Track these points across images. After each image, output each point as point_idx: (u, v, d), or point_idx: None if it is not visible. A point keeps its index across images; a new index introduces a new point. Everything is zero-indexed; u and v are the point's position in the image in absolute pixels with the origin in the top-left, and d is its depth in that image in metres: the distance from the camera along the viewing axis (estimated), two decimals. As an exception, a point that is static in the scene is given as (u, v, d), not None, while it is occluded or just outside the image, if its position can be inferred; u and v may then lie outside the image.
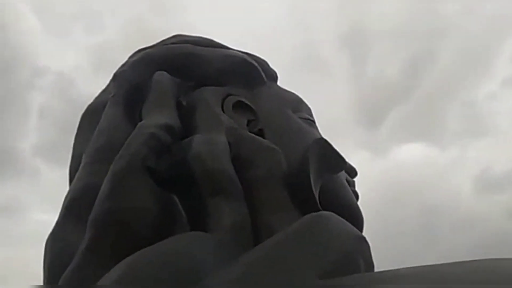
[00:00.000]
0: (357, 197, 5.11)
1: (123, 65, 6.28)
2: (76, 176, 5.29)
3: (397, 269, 2.66)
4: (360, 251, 2.96)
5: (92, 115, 6.29)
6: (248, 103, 5.79)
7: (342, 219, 3.39)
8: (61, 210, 4.97)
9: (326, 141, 4.93)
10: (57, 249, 4.68)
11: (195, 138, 5.12)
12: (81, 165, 5.29)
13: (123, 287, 3.38)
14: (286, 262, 2.97)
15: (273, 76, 6.80)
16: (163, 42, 6.25)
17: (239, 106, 6.05)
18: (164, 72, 5.70)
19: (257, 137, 5.20)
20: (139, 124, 5.20)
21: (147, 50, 6.13)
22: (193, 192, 4.68)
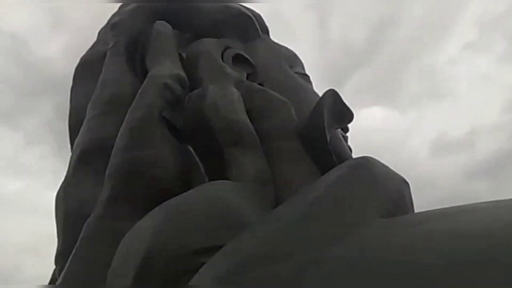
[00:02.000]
0: (350, 150, 5.37)
1: (118, 14, 6.15)
2: (83, 128, 5.24)
3: (442, 208, 2.84)
4: (408, 192, 3.16)
5: (88, 66, 6.17)
6: (247, 56, 5.87)
7: (383, 162, 3.55)
8: (72, 162, 4.94)
9: (337, 93, 5.09)
10: (72, 200, 4.68)
11: (209, 89, 5.16)
12: (88, 117, 5.24)
13: (164, 234, 3.45)
14: (348, 199, 3.13)
15: (266, 30, 6.90)
16: None
17: (237, 59, 6.15)
18: (165, 23, 5.65)
19: (268, 89, 5.31)
20: (150, 73, 5.19)
21: None
22: (209, 142, 4.77)
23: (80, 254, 4.76)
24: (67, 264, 4.80)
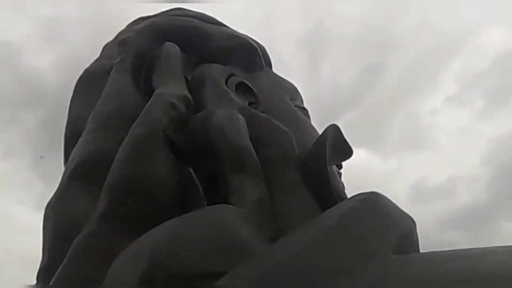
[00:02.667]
0: (343, 187, 5.33)
1: (126, 32, 6.13)
2: (81, 141, 5.11)
3: (452, 250, 2.82)
4: (416, 231, 3.13)
5: (90, 79, 6.07)
6: (250, 85, 5.88)
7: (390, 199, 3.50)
8: (66, 174, 4.78)
9: (339, 128, 5.11)
10: (63, 215, 4.49)
11: (215, 112, 5.13)
12: (87, 129, 5.12)
13: (165, 253, 3.31)
14: (361, 232, 3.08)
15: (269, 62, 6.93)
16: (166, 13, 6.16)
17: (240, 87, 6.15)
18: (174, 44, 5.63)
19: (271, 118, 5.28)
20: (156, 92, 5.14)
21: (153, 19, 6.02)
22: (212, 166, 4.70)
23: (67, 272, 4.49)
24: (51, 283, 4.52)
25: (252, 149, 5.48)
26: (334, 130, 6.12)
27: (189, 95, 6.01)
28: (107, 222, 4.64)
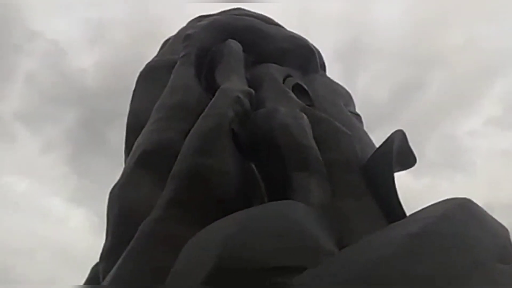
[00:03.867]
0: None
1: (190, 28, 6.30)
2: (146, 130, 5.20)
3: None
4: (510, 240, 2.98)
5: (152, 72, 6.24)
6: (306, 88, 5.86)
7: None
8: (131, 162, 4.86)
9: (405, 135, 5.01)
10: (128, 200, 4.55)
11: (280, 110, 5.11)
12: (152, 119, 5.21)
13: (237, 245, 3.32)
14: (459, 238, 2.96)
15: (324, 66, 6.94)
16: (227, 12, 6.30)
17: (297, 88, 6.13)
18: (237, 42, 5.73)
19: (332, 120, 5.23)
20: (223, 86, 5.22)
21: (216, 17, 6.18)
22: (275, 162, 4.67)
23: (133, 254, 4.60)
24: (118, 263, 4.63)
25: (317, 149, 5.47)
26: (400, 136, 6.01)
27: (252, 91, 6.08)
28: (172, 209, 4.72)
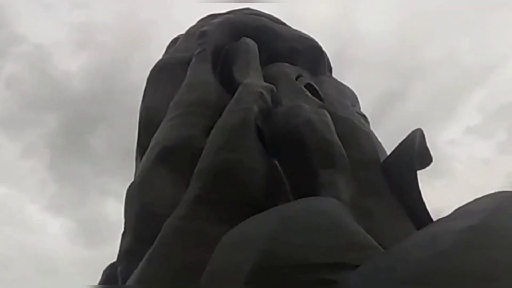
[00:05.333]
0: None
1: (206, 25, 6.22)
2: (164, 126, 5.05)
3: None
4: None
5: (165, 70, 6.12)
6: (317, 88, 5.81)
7: None
8: (151, 158, 4.69)
9: (424, 135, 4.98)
10: (148, 198, 4.37)
11: (304, 106, 5.03)
12: (170, 116, 5.07)
13: (281, 243, 3.21)
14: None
15: (330, 68, 6.94)
16: (237, 11, 6.26)
17: (307, 88, 6.08)
18: (252, 40, 5.64)
19: (352, 118, 5.18)
20: (245, 82, 5.13)
21: (228, 16, 6.13)
22: (300, 159, 4.57)
23: (159, 252, 4.40)
24: (143, 262, 4.41)
25: (341, 145, 5.40)
26: (420, 136, 6.00)
27: (274, 88, 6.00)
28: (198, 206, 4.56)
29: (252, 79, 5.88)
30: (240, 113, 5.18)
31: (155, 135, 5.77)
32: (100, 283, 5.45)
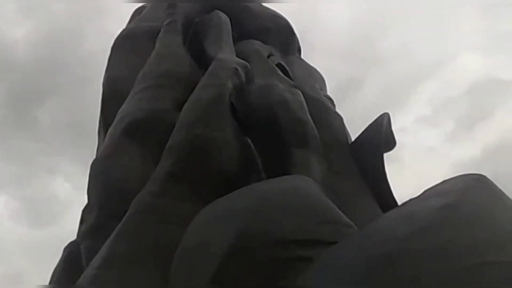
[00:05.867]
0: None
1: None
2: (132, 99, 4.89)
3: None
4: None
5: (130, 39, 5.91)
6: (287, 68, 5.85)
7: None
8: (118, 131, 4.55)
9: (390, 119, 5.13)
10: (117, 171, 4.26)
11: (278, 85, 5.04)
12: (138, 87, 4.92)
13: (260, 219, 3.23)
14: (489, 209, 3.03)
15: (299, 49, 7.02)
16: None
17: (278, 68, 6.06)
18: (224, 14, 5.57)
19: (322, 99, 5.28)
20: (219, 57, 5.07)
21: None
22: (274, 138, 4.60)
23: (128, 230, 4.19)
24: (110, 240, 4.17)
25: (314, 125, 5.38)
26: (387, 120, 6.10)
27: (248, 64, 5.85)
28: (170, 183, 4.39)
29: (226, 54, 5.71)
30: (215, 89, 5.01)
31: (122, 107, 5.48)
32: (61, 261, 5.17)
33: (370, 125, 6.03)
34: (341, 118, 6.07)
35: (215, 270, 3.30)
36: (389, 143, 6.72)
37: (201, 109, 4.83)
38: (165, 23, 6.35)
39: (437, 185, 3.97)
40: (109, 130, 5.46)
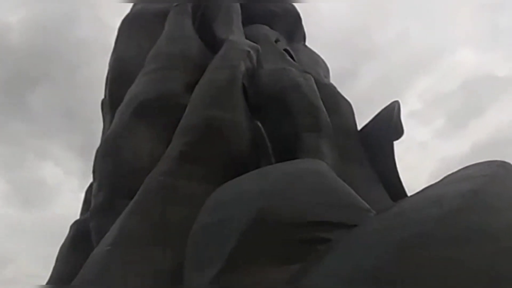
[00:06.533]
0: None
1: None
2: (142, 79, 4.95)
3: None
4: None
5: (138, 21, 5.92)
6: (293, 55, 5.91)
7: None
8: (128, 111, 4.60)
9: (400, 107, 5.15)
10: (126, 150, 4.31)
11: (290, 69, 5.12)
12: (149, 68, 4.97)
13: (276, 199, 3.30)
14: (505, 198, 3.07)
15: (305, 36, 7.09)
16: None
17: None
18: None
19: (333, 85, 5.35)
20: (231, 38, 5.13)
21: None
22: (285, 122, 4.67)
23: (140, 208, 4.18)
24: (122, 218, 4.16)
25: (325, 111, 5.39)
26: (397, 108, 6.11)
27: (259, 48, 5.81)
28: (182, 162, 4.38)
29: (237, 37, 5.68)
30: (228, 70, 4.99)
31: (131, 88, 5.43)
32: (68, 239, 5.16)
33: (379, 113, 6.06)
34: (349, 104, 6.10)
35: (234, 246, 3.32)
36: (398, 131, 6.76)
37: (214, 90, 4.81)
38: (174, 4, 6.29)
39: (459, 170, 4.04)
40: (118, 110, 5.42)
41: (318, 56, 8.72)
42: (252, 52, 5.40)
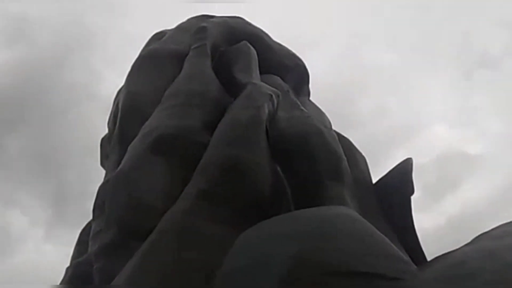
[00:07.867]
0: None
1: (204, 22, 6.31)
2: (161, 114, 4.89)
3: None
4: None
5: (153, 59, 6.01)
6: (302, 108, 5.94)
7: None
8: (144, 145, 4.45)
9: (412, 165, 5.25)
10: (141, 186, 4.11)
11: (312, 117, 5.15)
12: (168, 104, 4.93)
13: (314, 244, 3.16)
14: None
15: (309, 92, 7.27)
16: (232, 17, 6.47)
17: None
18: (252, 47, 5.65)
19: (349, 139, 5.36)
20: (254, 82, 5.18)
21: (225, 19, 6.31)
22: (307, 169, 4.61)
23: (156, 249, 3.78)
24: (136, 260, 3.74)
25: (346, 161, 5.30)
26: (411, 166, 6.09)
27: (280, 93, 5.80)
28: (202, 201, 4.11)
29: (259, 81, 5.69)
30: (253, 110, 4.90)
31: (148, 122, 5.22)
32: (64, 282, 4.61)
33: (394, 168, 6.03)
34: (364, 158, 6.09)
35: None
36: (409, 190, 6.72)
37: (238, 129, 4.69)
38: (194, 45, 6.35)
39: (496, 228, 4.08)
40: (132, 144, 5.16)
41: (322, 111, 8.85)
42: (274, 96, 5.39)
